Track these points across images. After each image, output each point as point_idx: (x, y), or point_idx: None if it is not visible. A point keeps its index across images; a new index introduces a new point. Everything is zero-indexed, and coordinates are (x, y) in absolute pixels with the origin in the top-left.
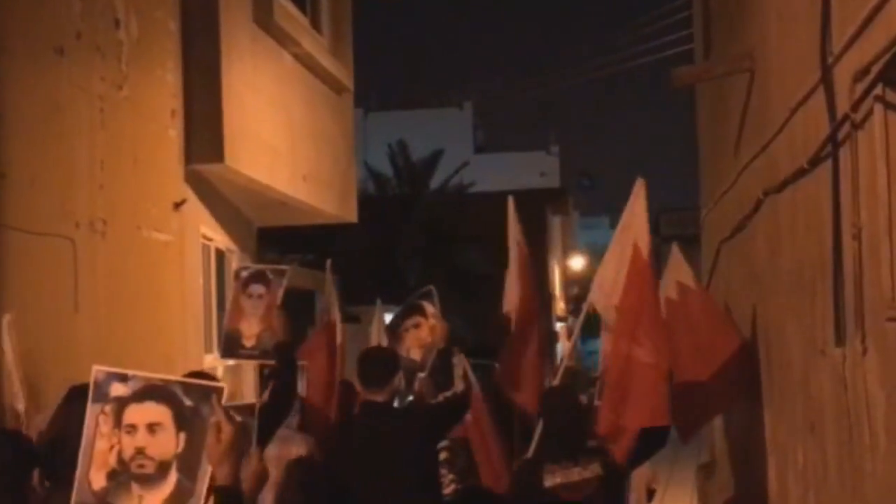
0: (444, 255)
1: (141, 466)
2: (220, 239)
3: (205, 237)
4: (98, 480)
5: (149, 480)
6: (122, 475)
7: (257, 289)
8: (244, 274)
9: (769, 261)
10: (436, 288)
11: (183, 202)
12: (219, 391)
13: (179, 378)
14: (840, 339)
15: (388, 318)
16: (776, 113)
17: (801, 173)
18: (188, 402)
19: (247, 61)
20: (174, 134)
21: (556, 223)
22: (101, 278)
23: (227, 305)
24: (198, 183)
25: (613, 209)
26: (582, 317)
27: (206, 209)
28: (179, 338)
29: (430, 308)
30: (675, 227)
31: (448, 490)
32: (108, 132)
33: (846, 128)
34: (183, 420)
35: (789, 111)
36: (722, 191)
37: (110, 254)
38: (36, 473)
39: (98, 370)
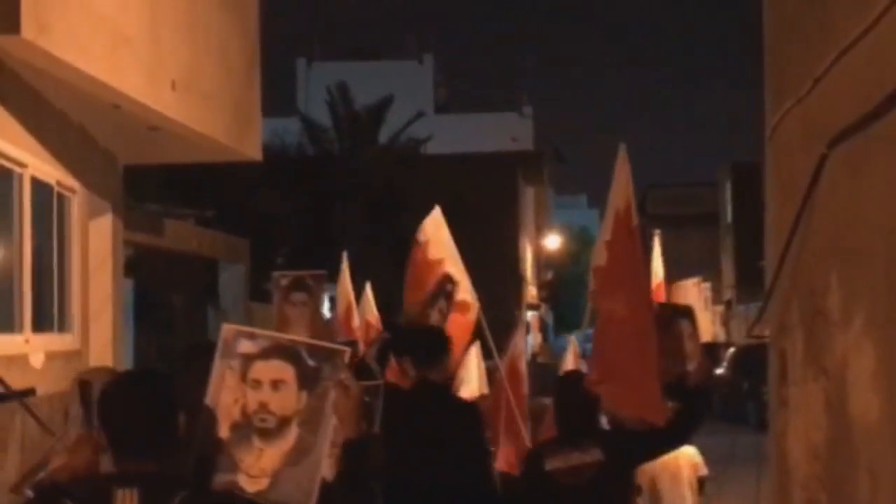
0: (389, 225)
1: (263, 420)
2: (45, 168)
3: (4, 157)
4: (222, 431)
5: (270, 434)
6: (244, 428)
7: (300, 296)
8: (283, 282)
9: None
10: (380, 262)
11: None
12: (342, 354)
13: (305, 339)
14: None
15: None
16: None
17: None
18: (311, 363)
19: None
20: None
21: (528, 194)
22: None
23: (274, 317)
24: None
25: (592, 187)
26: (588, 311)
27: (9, 114)
28: None
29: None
30: (665, 205)
31: None
32: None
33: None
34: (305, 379)
35: None
36: (824, 66)
37: None
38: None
39: (228, 328)
